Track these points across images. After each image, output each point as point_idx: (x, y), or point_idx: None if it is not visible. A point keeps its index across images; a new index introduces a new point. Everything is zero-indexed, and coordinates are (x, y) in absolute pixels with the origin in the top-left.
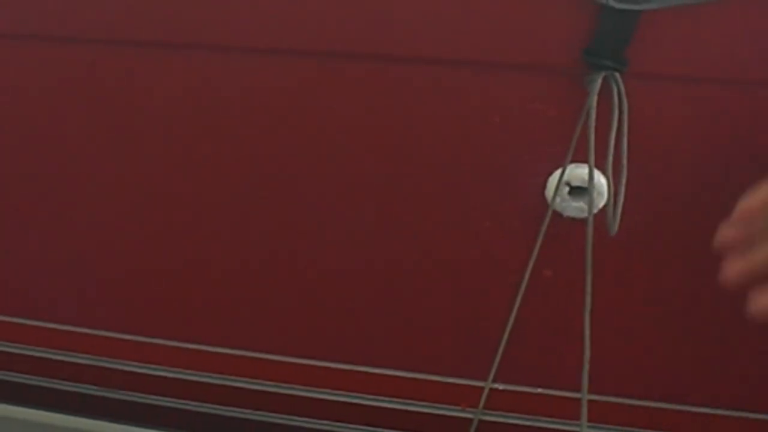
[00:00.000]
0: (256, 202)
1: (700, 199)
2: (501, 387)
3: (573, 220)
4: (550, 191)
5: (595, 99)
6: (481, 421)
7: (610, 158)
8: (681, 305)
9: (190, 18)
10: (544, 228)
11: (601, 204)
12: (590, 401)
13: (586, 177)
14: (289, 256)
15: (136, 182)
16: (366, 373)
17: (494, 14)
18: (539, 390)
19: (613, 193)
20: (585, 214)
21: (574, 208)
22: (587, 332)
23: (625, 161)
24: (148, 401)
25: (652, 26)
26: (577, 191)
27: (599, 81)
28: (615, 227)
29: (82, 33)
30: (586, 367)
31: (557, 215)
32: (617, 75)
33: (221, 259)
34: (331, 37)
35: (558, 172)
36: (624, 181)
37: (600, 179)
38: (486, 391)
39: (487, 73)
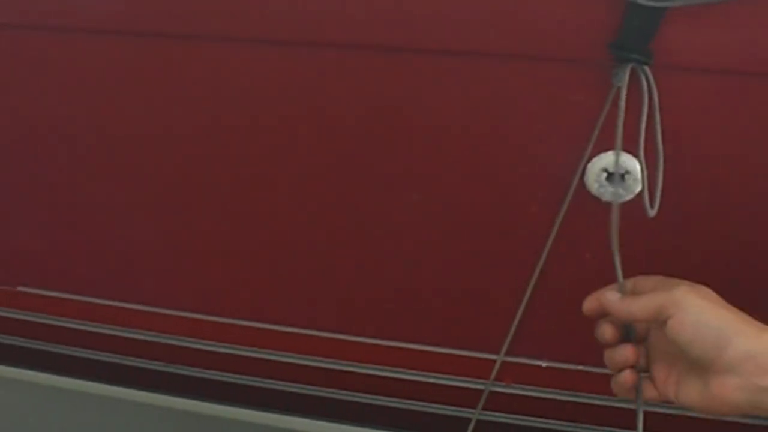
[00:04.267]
0: (292, 183)
1: (727, 188)
2: (544, 364)
3: (611, 204)
4: (588, 177)
5: (624, 90)
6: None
7: (642, 143)
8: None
9: (208, 10)
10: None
11: (637, 189)
12: None
13: (623, 163)
14: (318, 231)
15: (160, 168)
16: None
17: (534, 9)
18: (580, 367)
19: (647, 177)
20: (622, 199)
21: (612, 193)
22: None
23: (660, 147)
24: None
25: (679, 19)
26: (614, 177)
27: (627, 73)
28: (652, 211)
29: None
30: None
31: (596, 200)
32: (645, 67)
33: (249, 236)
34: (371, 30)
35: (596, 159)
36: (661, 167)
37: (635, 165)
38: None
39: (528, 65)
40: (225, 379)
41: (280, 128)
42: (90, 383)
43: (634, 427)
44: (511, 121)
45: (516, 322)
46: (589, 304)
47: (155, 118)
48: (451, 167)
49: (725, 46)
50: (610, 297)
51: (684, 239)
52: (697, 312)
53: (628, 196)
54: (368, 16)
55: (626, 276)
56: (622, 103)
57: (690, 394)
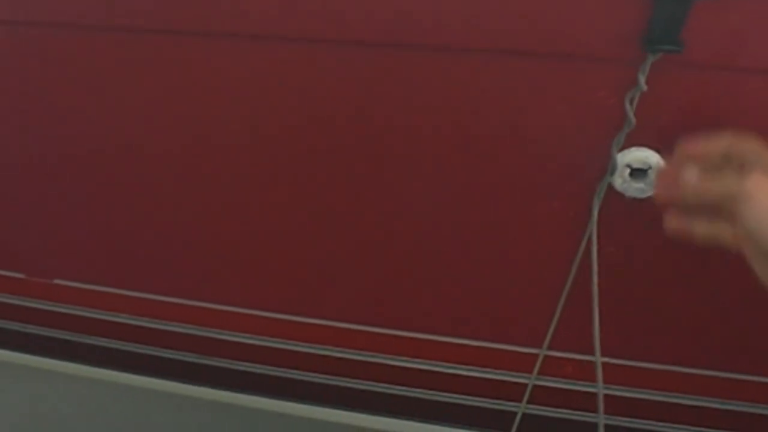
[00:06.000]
0: (318, 177)
1: None
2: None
3: (634, 200)
4: (611, 173)
5: (643, 81)
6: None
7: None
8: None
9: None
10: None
11: None
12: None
13: (646, 159)
14: (353, 225)
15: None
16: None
17: (554, 7)
18: (605, 359)
19: None
20: (645, 194)
21: (635, 188)
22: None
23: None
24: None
25: (706, 14)
26: (637, 173)
27: (648, 66)
28: None
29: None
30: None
31: (620, 196)
32: (672, 61)
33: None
34: (406, 30)
35: (619, 155)
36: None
37: (659, 161)
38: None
39: (553, 62)
40: (259, 371)
41: (296, 123)
42: (124, 374)
43: (673, 420)
44: (537, 118)
45: (556, 316)
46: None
47: (171, 117)
48: (478, 164)
49: (751, 44)
50: (686, 177)
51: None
52: (764, 209)
53: (651, 192)
54: (391, 15)
55: (656, 274)
56: (636, 94)
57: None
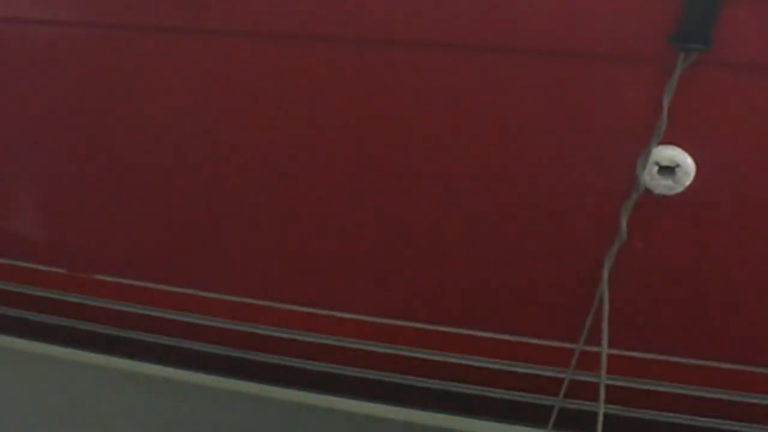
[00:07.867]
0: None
1: None
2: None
3: (663, 196)
4: (641, 170)
5: (675, 81)
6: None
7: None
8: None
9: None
10: (636, 203)
11: (688, 182)
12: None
13: (675, 157)
14: (395, 221)
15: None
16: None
17: (590, 9)
18: (625, 352)
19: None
20: (673, 191)
21: (663, 185)
22: None
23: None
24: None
25: (737, 16)
26: (666, 170)
27: (684, 64)
28: None
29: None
30: None
31: (649, 192)
32: (703, 59)
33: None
34: (454, 29)
35: (648, 153)
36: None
37: (686, 159)
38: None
39: (586, 64)
40: (297, 365)
41: (326, 123)
42: (163, 368)
43: (708, 414)
44: (566, 117)
45: (592, 312)
46: None
47: (209, 117)
48: (515, 162)
49: None
50: None
51: (734, 231)
52: None
53: (679, 189)
54: (418, 14)
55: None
56: (669, 92)
57: None
